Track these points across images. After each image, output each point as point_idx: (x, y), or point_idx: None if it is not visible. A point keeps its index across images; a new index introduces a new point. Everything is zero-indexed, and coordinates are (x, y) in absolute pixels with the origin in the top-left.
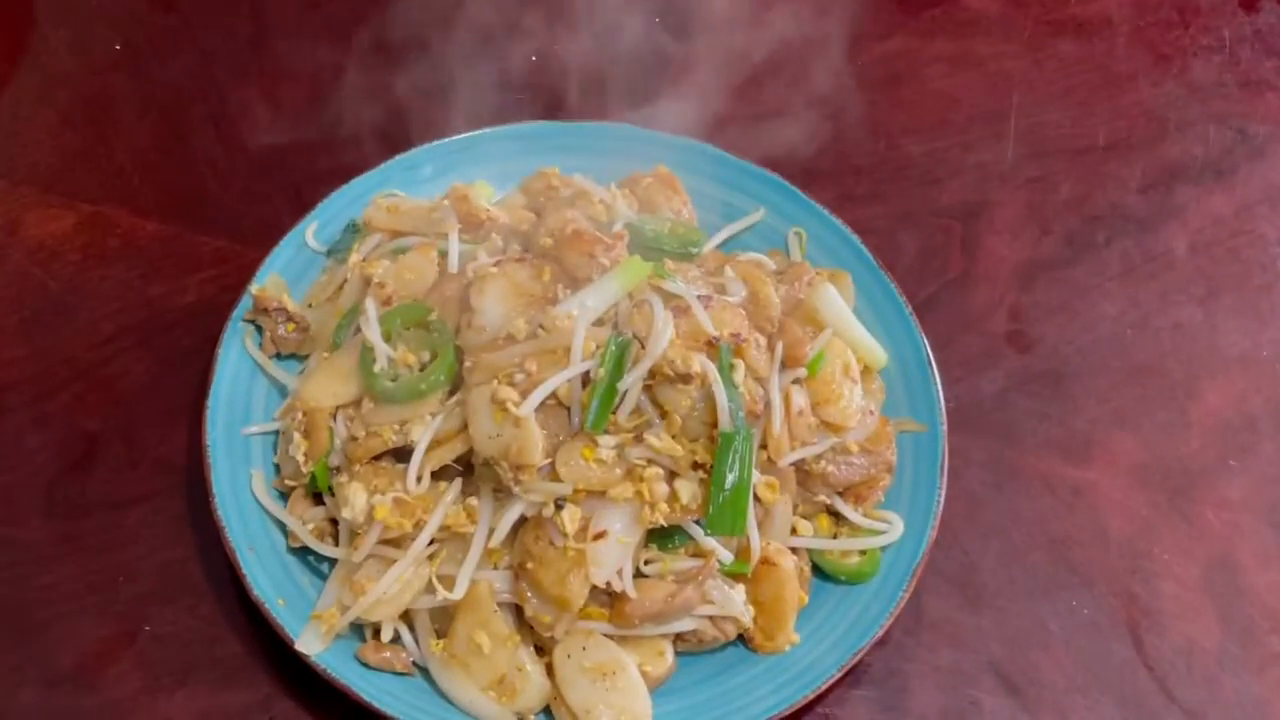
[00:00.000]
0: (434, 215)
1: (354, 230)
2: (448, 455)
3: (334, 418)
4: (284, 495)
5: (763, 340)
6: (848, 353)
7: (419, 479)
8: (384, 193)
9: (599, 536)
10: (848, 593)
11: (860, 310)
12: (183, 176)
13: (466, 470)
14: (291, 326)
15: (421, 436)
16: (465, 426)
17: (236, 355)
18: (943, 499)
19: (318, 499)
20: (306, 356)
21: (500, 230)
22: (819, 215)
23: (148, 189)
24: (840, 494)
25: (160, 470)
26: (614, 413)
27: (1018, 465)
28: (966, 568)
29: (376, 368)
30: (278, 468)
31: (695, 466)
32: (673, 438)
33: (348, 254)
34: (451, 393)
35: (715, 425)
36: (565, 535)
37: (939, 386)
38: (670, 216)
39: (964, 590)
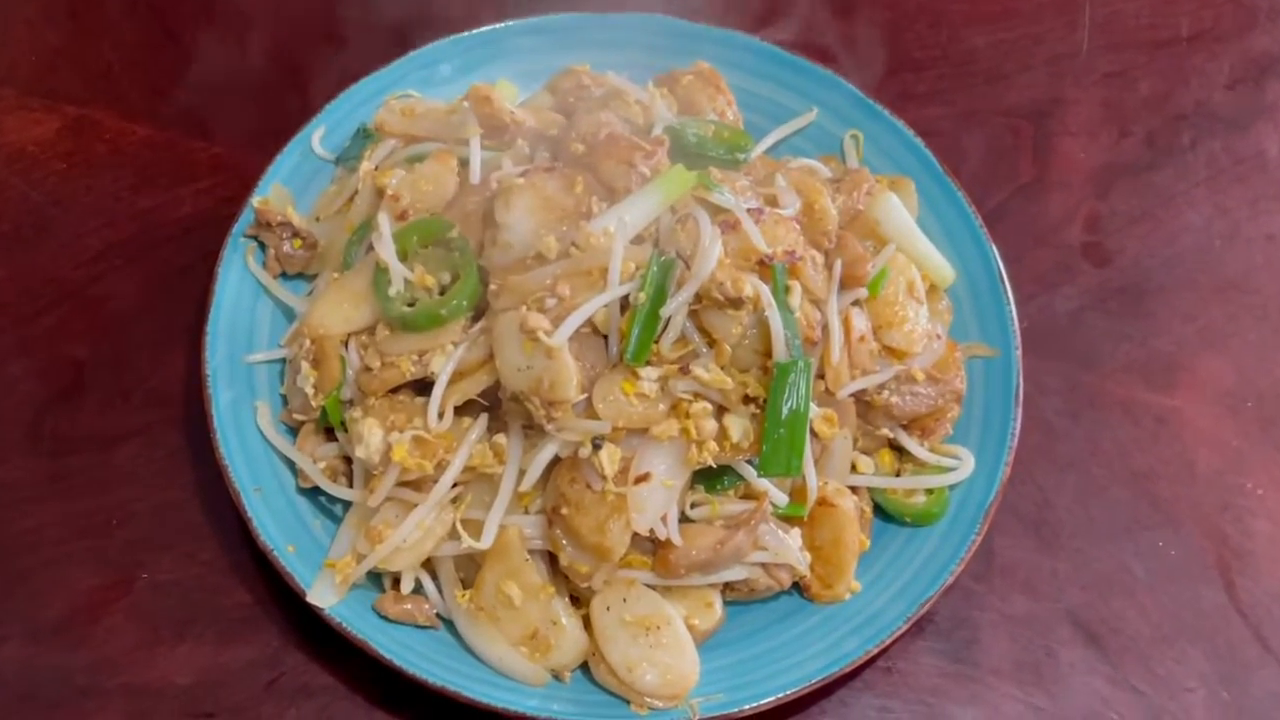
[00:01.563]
0: (453, 119)
1: (365, 136)
2: (472, 389)
3: (345, 346)
4: (292, 430)
5: (819, 258)
6: (912, 270)
7: (440, 415)
8: (398, 94)
9: (641, 479)
10: (913, 535)
11: (924, 222)
12: (176, 76)
13: (493, 405)
14: (298, 243)
15: (443, 368)
16: (491, 357)
17: (238, 275)
18: (1017, 431)
19: (329, 434)
20: (315, 276)
21: (526, 135)
22: (877, 116)
23: (137, 90)
24: (904, 427)
25: (155, 402)
26: (656, 342)
27: (1096, 392)
28: (1041, 505)
29: (392, 291)
30: (284, 399)
31: (747, 400)
32: (721, 369)
33: (358, 162)
34: (475, 319)
35: (769, 354)
36: (604, 478)
37: (1012, 306)
38: (714, 118)
39: (1038, 530)
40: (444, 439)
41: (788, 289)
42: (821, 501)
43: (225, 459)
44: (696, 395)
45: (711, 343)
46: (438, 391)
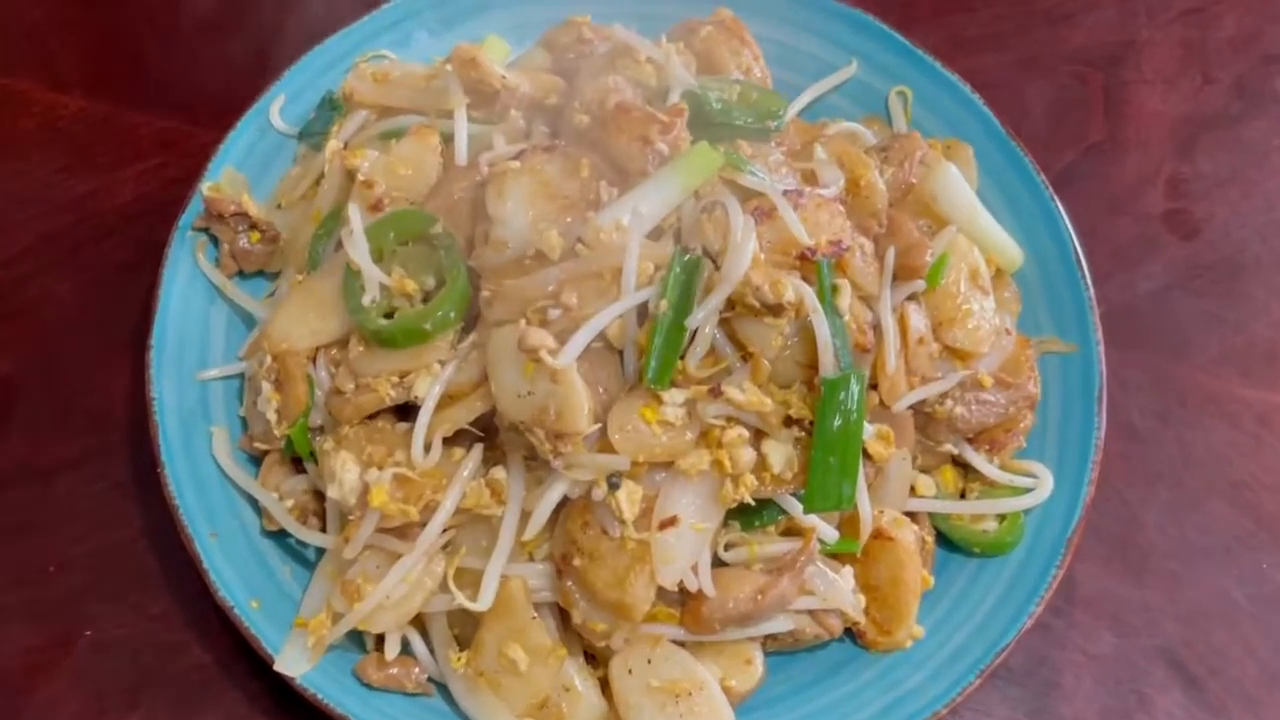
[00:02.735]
0: (434, 85)
1: (331, 106)
2: (463, 417)
3: (313, 362)
4: (255, 459)
5: (868, 245)
6: (974, 253)
7: (427, 448)
8: (369, 55)
9: (667, 524)
10: (983, 568)
11: (984, 193)
12: (114, 38)
13: (489, 432)
14: (256, 236)
15: (428, 392)
16: (485, 379)
17: (186, 276)
18: (1102, 442)
19: (298, 464)
20: (277, 275)
21: (520, 104)
22: (926, 68)
23: (68, 55)
24: (970, 441)
25: (95, 425)
26: (682, 358)
27: (1187, 387)
28: (1127, 524)
29: (366, 299)
30: (245, 422)
31: (789, 423)
32: (759, 387)
33: (324, 138)
34: (465, 331)
35: (813, 366)
36: (623, 523)
37: (1090, 292)
38: (739, 77)
39: (1124, 553)
40: (431, 476)
41: (835, 289)
42: (877, 534)
43: (175, 499)
44: (730, 420)
45: (746, 356)
46: (423, 420)
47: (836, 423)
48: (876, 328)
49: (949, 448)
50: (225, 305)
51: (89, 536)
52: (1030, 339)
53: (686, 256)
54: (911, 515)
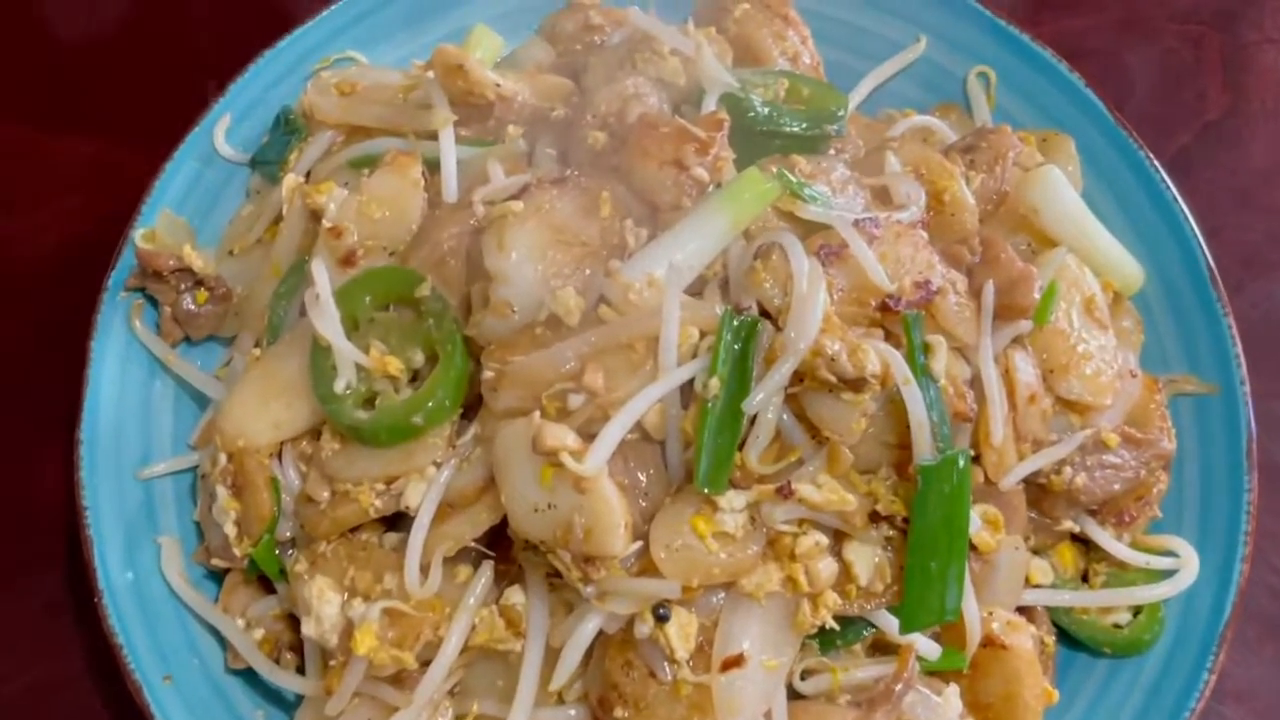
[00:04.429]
0: (412, 98)
1: (288, 128)
2: (467, 532)
3: (278, 459)
4: (215, 575)
5: (960, 281)
6: (1087, 277)
7: (423, 572)
8: (332, 58)
9: (731, 664)
10: (1116, 672)
11: (1089, 195)
12: (27, 47)
13: (500, 543)
14: (202, 295)
15: (422, 503)
16: (492, 481)
17: (121, 347)
18: (1255, 508)
19: (266, 579)
20: (233, 339)
21: (521, 117)
22: (1009, 40)
23: None
24: (1094, 513)
25: (21, 530)
26: (740, 449)
27: None
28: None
29: (339, 384)
30: (200, 529)
31: (875, 519)
32: (838, 479)
33: (281, 166)
34: (465, 418)
35: (904, 446)
36: (675, 663)
37: (1230, 318)
38: (784, 67)
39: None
40: (430, 608)
41: (927, 348)
42: (986, 642)
43: (118, 637)
44: (803, 524)
45: (819, 439)
46: (416, 539)
47: (937, 518)
48: (976, 382)
49: (1069, 525)
50: (171, 381)
51: (18, 672)
52: (1158, 378)
53: (739, 318)
54: (1025, 610)
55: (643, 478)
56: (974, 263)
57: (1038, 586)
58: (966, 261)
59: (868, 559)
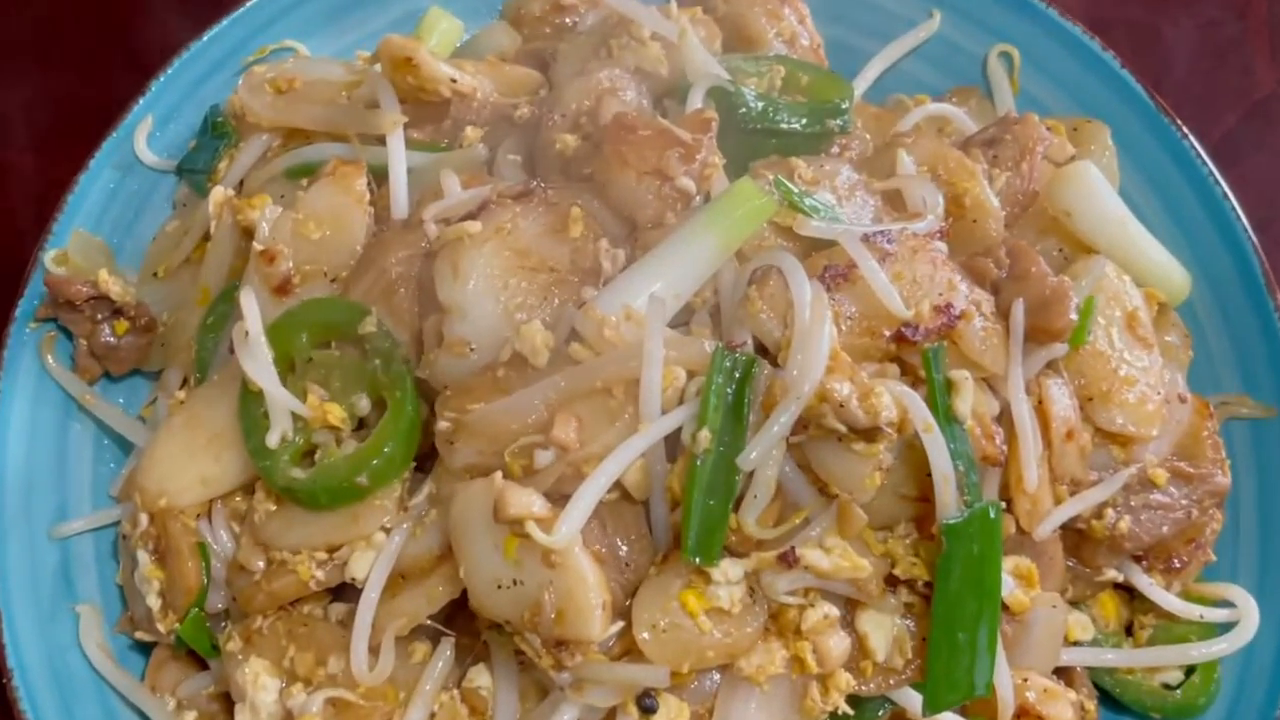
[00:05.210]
0: (356, 96)
1: (216, 130)
2: (422, 609)
3: (207, 518)
4: (142, 647)
5: (986, 301)
6: (1128, 289)
7: (373, 652)
8: (267, 49)
9: None
10: None
11: (1126, 191)
12: None
13: (460, 616)
14: (122, 326)
15: (370, 573)
16: (450, 551)
17: (31, 387)
18: None
19: (197, 655)
20: (159, 373)
21: (480, 117)
22: (1034, 13)
23: None
24: (1139, 558)
25: None
26: (735, 509)
27: None
28: None
29: (272, 436)
30: (123, 594)
31: (892, 583)
32: (849, 541)
33: (211, 175)
34: (420, 467)
35: (924, 499)
36: None
37: None
38: (780, 50)
39: None
40: (382, 695)
41: (950, 385)
42: (1021, 714)
43: (28, 717)
44: (810, 593)
45: (829, 496)
46: (364, 618)
47: (964, 582)
48: (1005, 416)
49: (1111, 574)
50: (90, 423)
51: None
52: (1209, 401)
53: (732, 357)
54: (1062, 671)
55: (623, 545)
56: (1000, 278)
57: (1077, 644)
58: (992, 277)
59: (885, 630)
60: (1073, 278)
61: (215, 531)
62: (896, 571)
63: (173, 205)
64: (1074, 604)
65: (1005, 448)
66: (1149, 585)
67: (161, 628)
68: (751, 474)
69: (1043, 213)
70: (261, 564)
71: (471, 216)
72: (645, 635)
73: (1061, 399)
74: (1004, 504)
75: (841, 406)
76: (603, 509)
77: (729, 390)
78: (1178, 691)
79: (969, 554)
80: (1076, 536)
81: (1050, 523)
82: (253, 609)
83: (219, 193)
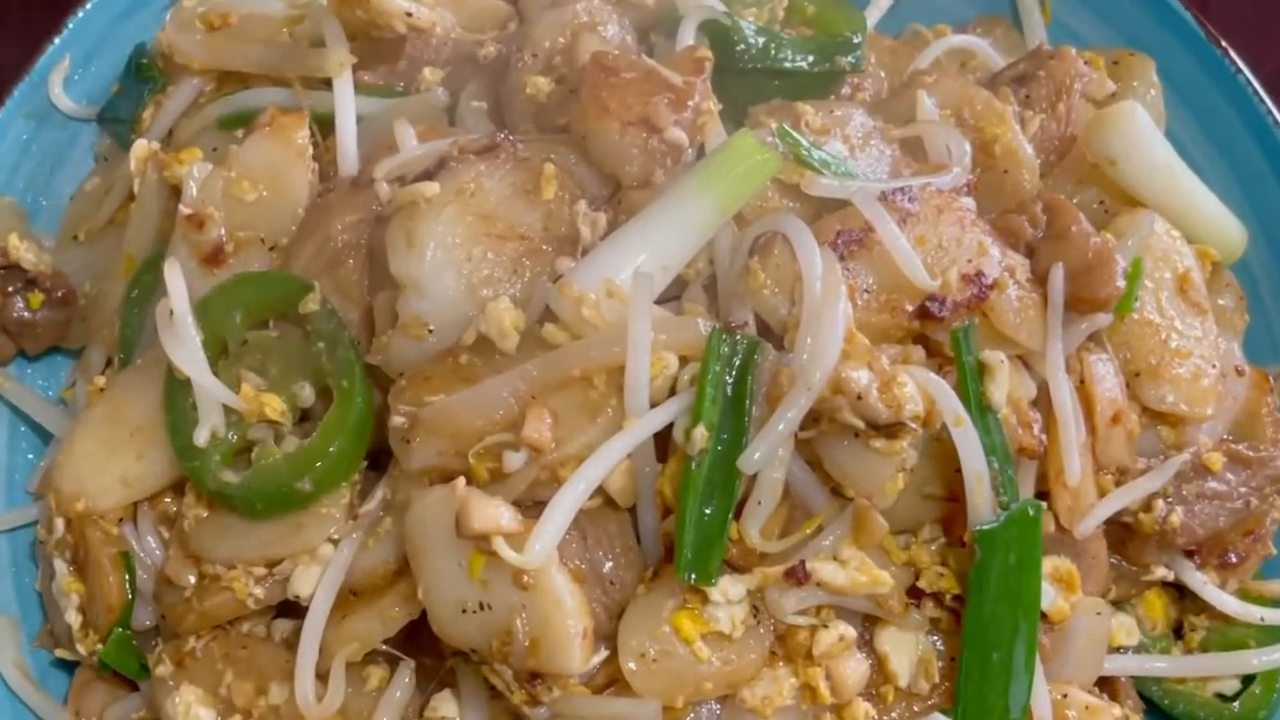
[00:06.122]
0: (299, 33)
1: (141, 74)
2: (377, 632)
3: (133, 523)
4: (66, 664)
5: (1020, 265)
6: (1179, 248)
7: (321, 680)
8: None
9: None
10: None
11: (1173, 132)
12: None
13: (421, 627)
14: (37, 299)
15: (316, 591)
16: (407, 565)
17: None
18: None
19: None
20: (81, 350)
21: (441, 56)
22: None
23: None
24: (1189, 553)
25: None
26: (736, 518)
27: None
28: None
29: (201, 433)
30: (43, 603)
31: (917, 595)
32: (867, 552)
33: (135, 124)
34: (372, 465)
35: (953, 499)
36: None
37: None
38: None
39: None
40: None
41: (982, 369)
42: None
43: None
44: (823, 611)
45: (841, 496)
46: (310, 641)
47: (999, 595)
48: (1042, 397)
49: (1160, 572)
50: (4, 410)
51: None
52: (1269, 372)
53: (731, 340)
54: (1104, 681)
55: (607, 560)
56: (1035, 238)
57: (1120, 649)
58: (1026, 237)
59: (909, 650)
60: (1116, 235)
61: (142, 538)
62: (921, 583)
63: (94, 159)
64: (1117, 604)
65: (1044, 436)
66: (1202, 583)
67: (82, 648)
68: (754, 477)
69: (1081, 160)
70: (192, 579)
71: (429, 175)
72: (633, 665)
73: (1107, 377)
74: (1039, 494)
75: (859, 398)
76: (583, 518)
77: (728, 379)
78: (1235, 704)
79: (1005, 563)
80: (1121, 531)
81: (1094, 519)
82: (184, 629)
83: (141, 146)
